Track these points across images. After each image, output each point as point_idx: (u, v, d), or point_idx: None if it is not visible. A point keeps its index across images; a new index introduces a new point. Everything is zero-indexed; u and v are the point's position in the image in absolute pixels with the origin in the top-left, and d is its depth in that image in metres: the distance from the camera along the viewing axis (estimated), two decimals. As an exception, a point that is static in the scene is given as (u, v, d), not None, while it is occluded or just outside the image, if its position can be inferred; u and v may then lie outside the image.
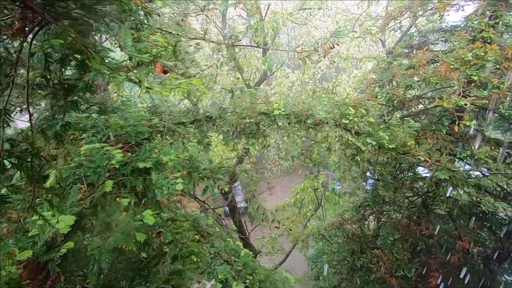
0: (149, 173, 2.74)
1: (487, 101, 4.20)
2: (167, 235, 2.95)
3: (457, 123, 4.49)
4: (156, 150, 3.22)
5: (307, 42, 13.47)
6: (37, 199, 2.00)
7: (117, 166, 2.37)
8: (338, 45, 4.16)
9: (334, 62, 5.27)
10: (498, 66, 4.10)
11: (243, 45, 5.73)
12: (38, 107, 3.79)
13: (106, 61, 1.53)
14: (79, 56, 2.19)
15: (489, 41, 4.46)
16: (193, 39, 4.14)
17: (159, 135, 3.62)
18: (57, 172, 2.25)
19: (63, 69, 2.30)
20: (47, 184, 2.30)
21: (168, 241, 2.93)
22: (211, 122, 5.53)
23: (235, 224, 8.72)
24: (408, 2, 6.24)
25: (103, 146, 2.64)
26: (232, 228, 7.70)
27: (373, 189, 6.77)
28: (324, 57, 4.17)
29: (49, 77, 2.18)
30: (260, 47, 6.09)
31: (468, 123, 4.44)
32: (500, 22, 4.68)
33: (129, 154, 3.09)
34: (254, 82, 10.31)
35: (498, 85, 3.99)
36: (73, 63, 2.43)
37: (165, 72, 2.01)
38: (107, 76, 2.22)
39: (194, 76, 4.07)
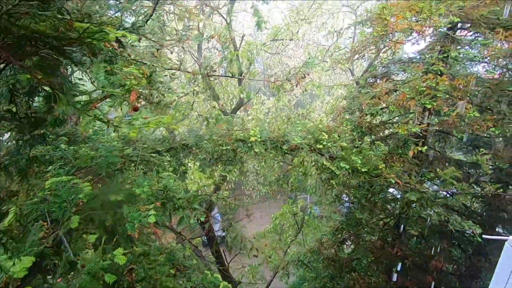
0: (120, 206, 2.64)
1: (436, 128, 4.60)
2: (139, 271, 2.79)
3: (412, 148, 4.84)
4: (128, 181, 3.12)
5: (282, 71, 14.09)
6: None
7: (85, 200, 2.27)
8: (308, 75, 4.41)
9: (306, 90, 5.57)
10: (448, 95, 4.53)
11: (218, 75, 5.91)
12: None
13: (76, 96, 1.53)
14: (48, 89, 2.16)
15: (439, 73, 4.95)
16: (168, 69, 4.21)
17: (133, 165, 3.54)
18: (17, 209, 2.11)
19: (31, 102, 2.24)
20: (5, 222, 2.14)
21: (140, 278, 2.77)
22: (187, 150, 5.50)
23: (213, 254, 8.39)
24: (371, 36, 6.83)
25: (71, 179, 2.53)
26: (210, 260, 7.39)
27: (348, 212, 6.90)
28: (296, 86, 4.39)
29: (15, 110, 2.12)
30: (235, 77, 6.30)
31: (420, 148, 4.80)
32: (448, 56, 5.23)
33: (100, 186, 2.98)
34: (231, 108, 10.49)
35: (448, 112, 4.39)
36: (42, 94, 2.38)
37: (135, 109, 2.02)
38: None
39: (171, 104, 4.09)
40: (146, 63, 3.81)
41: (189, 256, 4.52)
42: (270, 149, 5.39)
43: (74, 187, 2.49)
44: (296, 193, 8.64)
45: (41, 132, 2.21)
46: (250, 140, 5.19)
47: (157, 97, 3.51)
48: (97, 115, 1.60)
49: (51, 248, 1.90)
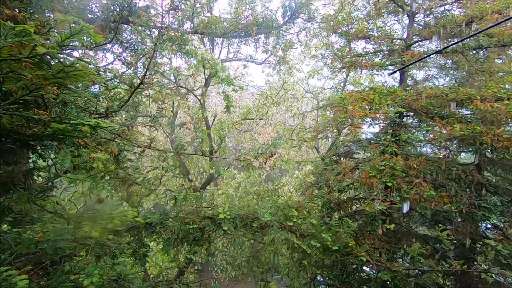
0: (61, 303, 2.26)
1: (399, 205, 4.84)
2: None
3: (380, 225, 4.95)
4: (76, 270, 2.73)
5: (252, 146, 14.72)
6: None
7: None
8: (275, 154, 4.64)
9: (274, 168, 5.80)
10: (405, 174, 4.95)
11: (189, 153, 6.02)
12: None
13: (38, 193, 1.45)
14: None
15: (395, 153, 5.50)
16: (138, 146, 4.23)
17: (85, 249, 3.16)
18: None
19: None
20: None
21: None
22: (150, 229, 5.11)
23: None
24: (332, 120, 7.63)
25: (5, 270, 2.17)
26: None
27: (323, 297, 6.41)
28: (264, 164, 4.56)
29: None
30: (205, 155, 6.45)
31: (388, 226, 4.93)
32: (400, 139, 5.90)
33: (40, 277, 2.57)
34: (201, 182, 10.33)
35: (408, 190, 4.72)
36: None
37: (100, 202, 1.97)
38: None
39: (137, 181, 3.97)
40: (115, 141, 3.81)
41: None
42: (240, 227, 5.20)
43: (7, 280, 2.13)
44: (268, 275, 7.99)
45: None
46: (219, 217, 5.01)
47: (122, 177, 3.41)
48: (59, 211, 1.51)
49: None
